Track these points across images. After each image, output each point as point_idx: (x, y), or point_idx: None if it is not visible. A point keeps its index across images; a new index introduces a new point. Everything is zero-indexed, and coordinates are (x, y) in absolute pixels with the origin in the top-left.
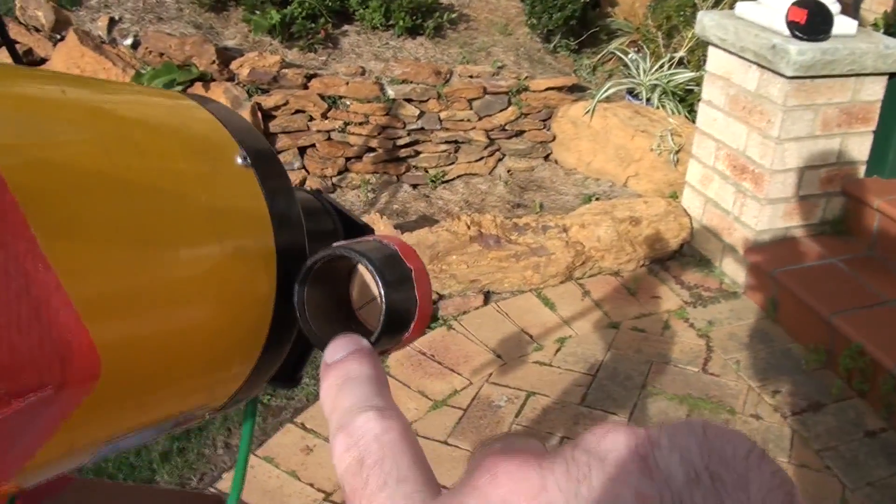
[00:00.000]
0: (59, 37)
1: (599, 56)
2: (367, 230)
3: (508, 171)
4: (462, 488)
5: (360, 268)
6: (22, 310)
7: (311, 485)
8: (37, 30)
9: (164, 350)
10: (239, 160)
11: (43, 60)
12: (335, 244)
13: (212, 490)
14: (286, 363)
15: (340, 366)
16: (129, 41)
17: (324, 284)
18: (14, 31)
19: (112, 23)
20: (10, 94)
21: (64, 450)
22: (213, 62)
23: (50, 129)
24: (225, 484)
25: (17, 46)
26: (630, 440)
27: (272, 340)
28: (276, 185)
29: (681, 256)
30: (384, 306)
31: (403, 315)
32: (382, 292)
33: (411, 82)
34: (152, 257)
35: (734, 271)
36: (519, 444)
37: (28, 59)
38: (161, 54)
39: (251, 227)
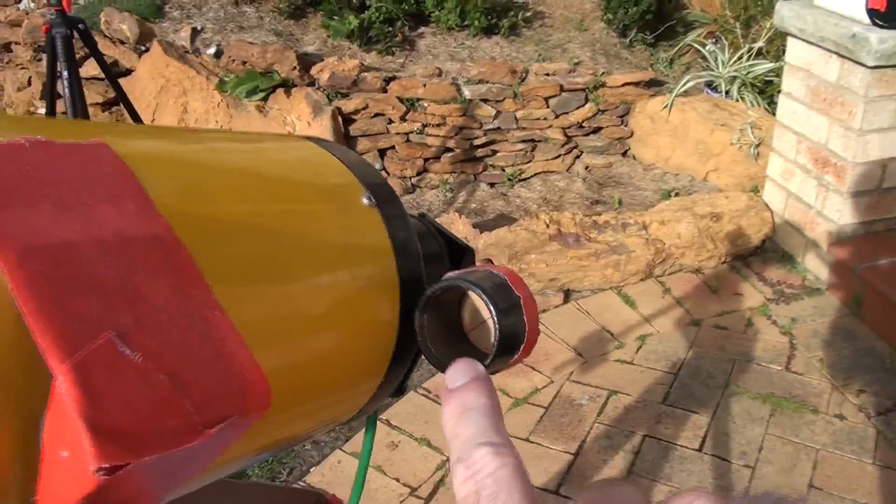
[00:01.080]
0: (143, 48)
1: (676, 49)
2: (467, 251)
3: (586, 168)
4: None
5: (472, 294)
6: (206, 353)
7: (398, 479)
8: (122, 42)
9: (311, 371)
10: (364, 200)
11: (129, 71)
12: (449, 274)
13: (303, 484)
14: None
15: (460, 394)
16: (212, 50)
17: (438, 309)
18: (100, 44)
19: (195, 33)
20: (168, 155)
21: (222, 462)
22: (294, 68)
23: (205, 188)
24: (313, 479)
25: (104, 58)
26: None
27: (395, 360)
28: (395, 220)
29: (763, 252)
30: (497, 331)
31: (513, 339)
32: (495, 318)
33: (487, 82)
34: (300, 292)
35: (817, 267)
36: (616, 494)
37: (114, 71)
38: (243, 62)
39: (377, 260)
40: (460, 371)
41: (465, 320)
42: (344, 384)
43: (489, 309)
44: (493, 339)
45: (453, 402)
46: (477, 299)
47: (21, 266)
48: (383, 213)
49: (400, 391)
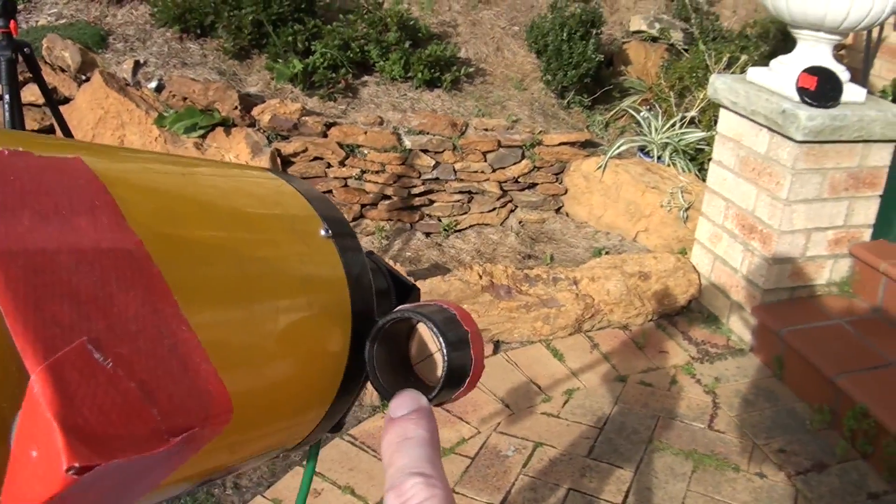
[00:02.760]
0: (84, 77)
1: (612, 113)
2: (414, 289)
3: (520, 223)
4: None
5: (420, 328)
6: (173, 364)
7: None
8: (62, 70)
9: (266, 394)
10: (322, 232)
11: (67, 100)
12: (401, 307)
13: None
14: None
15: (401, 424)
16: (153, 84)
17: (388, 341)
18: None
19: (137, 66)
20: (140, 176)
21: (177, 479)
22: (236, 108)
23: (174, 209)
24: None
25: (47, 85)
26: None
27: (343, 390)
28: (351, 253)
29: (689, 312)
30: (446, 364)
31: (460, 372)
32: (444, 351)
33: (428, 133)
34: (260, 315)
35: (741, 329)
36: None
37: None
38: (184, 98)
39: (333, 290)
40: (404, 401)
41: (412, 353)
42: (294, 409)
43: (439, 341)
44: (440, 371)
45: (393, 431)
46: (426, 332)
47: (2, 269)
48: (339, 245)
49: (339, 426)
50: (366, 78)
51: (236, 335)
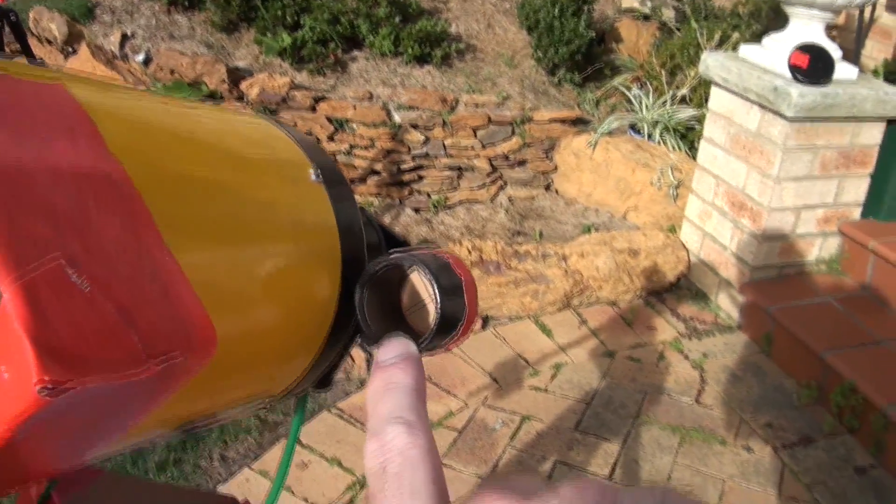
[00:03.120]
0: (71, 49)
1: (603, 90)
2: (405, 243)
3: (510, 199)
4: None
5: (413, 276)
6: (154, 291)
7: (306, 499)
8: (49, 42)
9: (251, 336)
10: (313, 176)
11: None
12: (394, 252)
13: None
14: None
15: (387, 371)
16: (140, 57)
17: (378, 288)
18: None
19: (124, 39)
20: (124, 106)
21: (156, 422)
22: (224, 81)
23: (159, 140)
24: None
25: (33, 53)
26: (598, 496)
27: (331, 338)
28: (342, 199)
29: (677, 289)
30: (439, 310)
31: (452, 319)
32: (438, 297)
33: (418, 109)
34: (247, 256)
35: (729, 306)
36: (517, 483)
37: None
38: (172, 71)
39: (323, 235)
40: (392, 348)
41: (403, 302)
42: (280, 356)
43: (431, 286)
44: (433, 317)
45: (379, 377)
46: (418, 280)
47: None
48: (331, 192)
49: (327, 382)
50: (355, 53)
51: (222, 277)
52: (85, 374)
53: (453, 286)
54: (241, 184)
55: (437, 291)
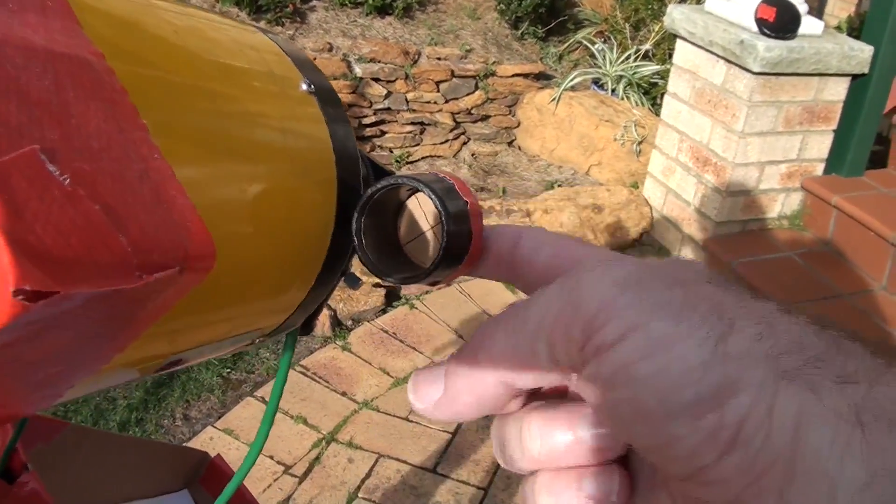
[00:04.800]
0: None
1: (566, 45)
2: (392, 174)
3: (473, 155)
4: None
5: (410, 203)
6: (145, 193)
7: (272, 457)
8: None
9: (246, 260)
10: (303, 86)
11: None
12: (396, 174)
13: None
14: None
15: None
16: None
17: (374, 217)
18: None
19: None
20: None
21: (137, 353)
22: None
23: (142, 30)
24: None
25: None
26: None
27: (326, 269)
28: (337, 120)
29: (641, 245)
30: (445, 235)
31: (459, 247)
32: (444, 221)
33: (379, 62)
34: (239, 171)
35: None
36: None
37: None
38: None
39: (317, 155)
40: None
41: (401, 232)
42: (273, 287)
43: (439, 210)
44: (432, 249)
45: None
46: (416, 209)
47: None
48: (325, 111)
49: (308, 328)
50: (314, 3)
51: (212, 191)
52: (69, 280)
53: (459, 212)
54: (229, 92)
55: (444, 215)
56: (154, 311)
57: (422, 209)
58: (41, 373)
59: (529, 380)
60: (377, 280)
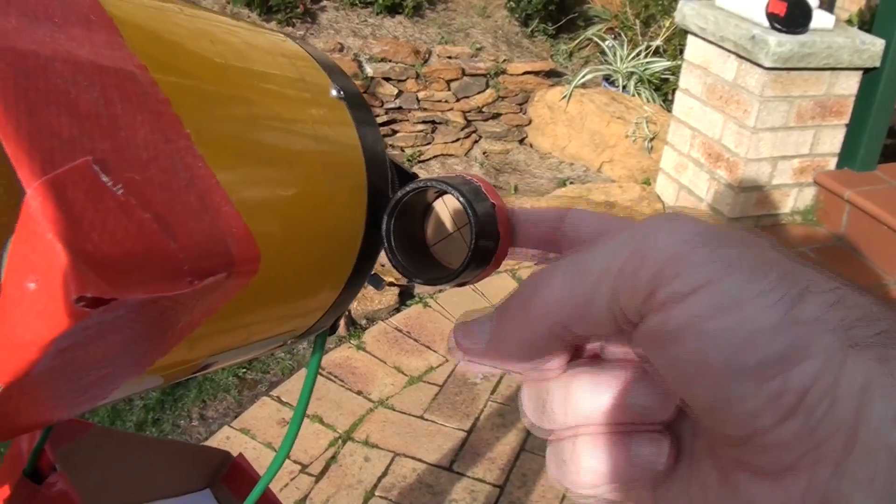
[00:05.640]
0: None
1: (577, 42)
2: (416, 177)
3: (484, 153)
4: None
5: (437, 206)
6: (192, 200)
7: (288, 457)
8: None
9: (279, 266)
10: (333, 92)
11: None
12: (423, 178)
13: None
14: None
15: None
16: None
17: (402, 220)
18: None
19: None
20: (143, 16)
21: (179, 356)
22: None
23: (179, 42)
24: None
25: None
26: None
27: (356, 271)
28: (365, 124)
29: None
30: (473, 236)
31: (487, 248)
32: (472, 222)
33: (390, 61)
34: (275, 176)
35: None
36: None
37: None
38: None
39: (348, 159)
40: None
41: (428, 234)
42: (307, 289)
43: (467, 212)
44: (464, 248)
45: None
46: (443, 210)
47: None
48: (354, 115)
49: (334, 326)
50: (325, 3)
51: (247, 200)
52: (125, 287)
53: (486, 213)
54: (263, 100)
55: (472, 217)
56: (199, 316)
57: (448, 211)
58: (91, 375)
59: (582, 328)
60: (391, 279)
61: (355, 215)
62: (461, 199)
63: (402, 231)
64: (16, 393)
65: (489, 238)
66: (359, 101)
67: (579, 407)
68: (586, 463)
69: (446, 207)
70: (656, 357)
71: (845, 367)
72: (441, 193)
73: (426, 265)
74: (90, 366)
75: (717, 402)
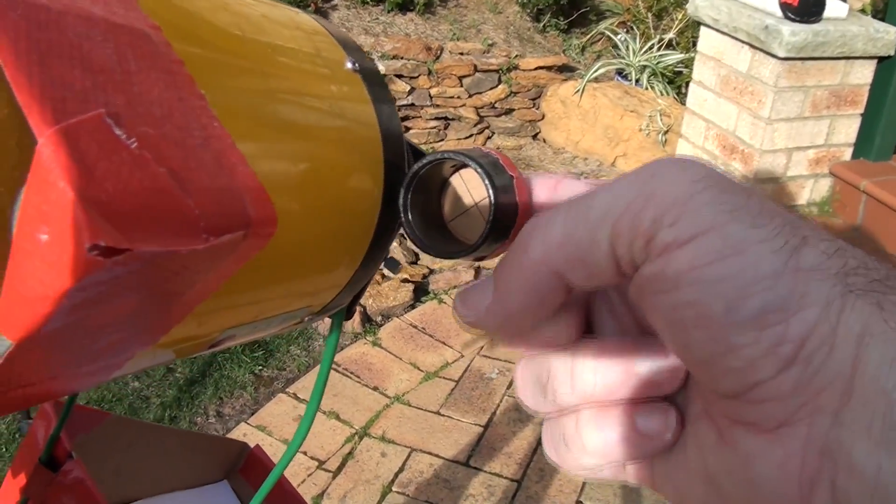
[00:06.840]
0: None
1: (589, 36)
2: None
3: (497, 149)
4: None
5: (454, 181)
6: (207, 159)
7: (305, 453)
8: None
9: (296, 238)
10: (348, 64)
11: None
12: (440, 150)
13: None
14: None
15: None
16: None
17: (419, 194)
18: None
19: None
20: None
21: (193, 325)
22: None
23: (205, 24)
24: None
25: None
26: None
27: (373, 247)
28: (382, 100)
29: None
30: (493, 208)
31: (506, 221)
32: (492, 195)
33: (402, 58)
34: (286, 148)
35: None
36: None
37: None
38: None
39: (363, 131)
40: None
41: (445, 209)
42: (325, 264)
43: (485, 184)
44: (487, 217)
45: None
46: (460, 185)
47: None
48: (371, 91)
49: (350, 313)
50: (336, 1)
51: (264, 170)
52: (140, 238)
53: (505, 185)
54: (280, 73)
55: (491, 190)
56: (214, 280)
57: (466, 186)
58: (104, 340)
59: (583, 274)
60: (405, 276)
61: (372, 191)
62: (479, 170)
63: (420, 206)
64: (28, 351)
65: (508, 210)
66: (376, 78)
67: (585, 381)
68: (591, 440)
69: (463, 182)
70: (655, 304)
71: (843, 314)
72: (459, 167)
73: (444, 240)
74: (102, 328)
75: (716, 352)
